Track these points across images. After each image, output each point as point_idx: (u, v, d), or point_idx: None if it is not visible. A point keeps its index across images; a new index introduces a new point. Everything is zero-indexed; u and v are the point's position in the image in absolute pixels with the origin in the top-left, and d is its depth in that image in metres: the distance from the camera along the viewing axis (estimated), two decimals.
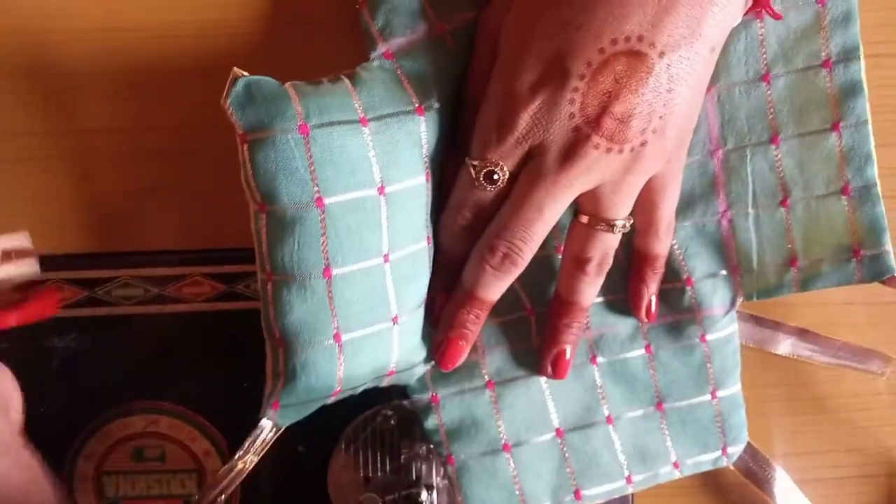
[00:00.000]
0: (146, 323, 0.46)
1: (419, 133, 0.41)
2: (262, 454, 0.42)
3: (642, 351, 0.47)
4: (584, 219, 0.42)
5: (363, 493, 0.46)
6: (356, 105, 0.40)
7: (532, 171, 0.40)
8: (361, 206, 0.40)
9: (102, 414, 0.47)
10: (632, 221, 0.42)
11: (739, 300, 0.47)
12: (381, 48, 0.41)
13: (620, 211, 0.41)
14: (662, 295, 0.46)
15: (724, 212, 0.45)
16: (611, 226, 0.41)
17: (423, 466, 0.46)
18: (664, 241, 0.44)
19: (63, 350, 0.46)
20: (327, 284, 0.40)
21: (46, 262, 0.45)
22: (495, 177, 0.40)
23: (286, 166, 0.38)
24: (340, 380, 0.41)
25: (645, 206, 0.43)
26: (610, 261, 0.43)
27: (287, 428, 0.42)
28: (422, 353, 0.44)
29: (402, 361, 0.43)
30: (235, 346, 0.47)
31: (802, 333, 0.49)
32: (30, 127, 0.44)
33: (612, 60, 0.37)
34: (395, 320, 0.41)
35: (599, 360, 0.47)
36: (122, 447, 0.47)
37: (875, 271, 0.45)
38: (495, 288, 0.43)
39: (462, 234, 0.43)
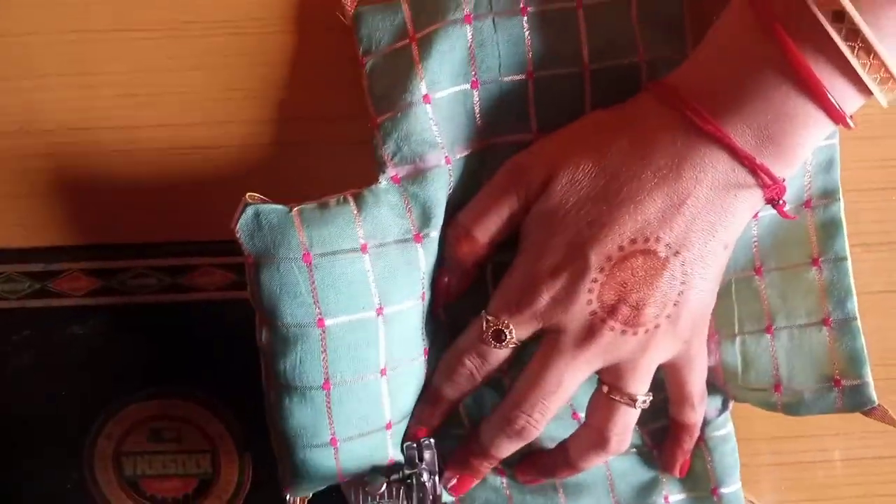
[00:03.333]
0: (161, 311, 0.48)
1: (417, 258, 0.43)
2: None
3: (647, 450, 0.50)
4: (605, 388, 0.44)
5: (368, 474, 0.47)
6: (358, 233, 0.42)
7: (550, 347, 0.43)
8: (361, 327, 0.42)
9: (121, 397, 0.49)
10: (651, 398, 0.44)
11: (731, 404, 0.49)
12: (390, 172, 0.43)
13: (640, 387, 0.44)
14: (660, 403, 0.48)
15: (711, 335, 0.47)
16: (632, 400, 0.44)
17: (427, 452, 0.48)
18: (699, 411, 0.47)
19: (83, 337, 0.48)
20: (326, 396, 0.42)
21: (65, 252, 0.47)
22: (503, 337, 0.43)
23: (289, 290, 0.41)
24: (340, 473, 0.44)
25: (675, 381, 0.46)
26: (629, 440, 0.45)
27: None
28: None
29: (399, 457, 0.46)
30: (246, 332, 0.49)
31: None
32: (45, 125, 0.46)
33: (630, 257, 0.41)
34: (388, 426, 0.44)
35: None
36: (140, 428, 0.50)
37: (855, 402, 0.46)
38: (510, 450, 0.46)
39: (456, 378, 0.45)
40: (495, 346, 0.43)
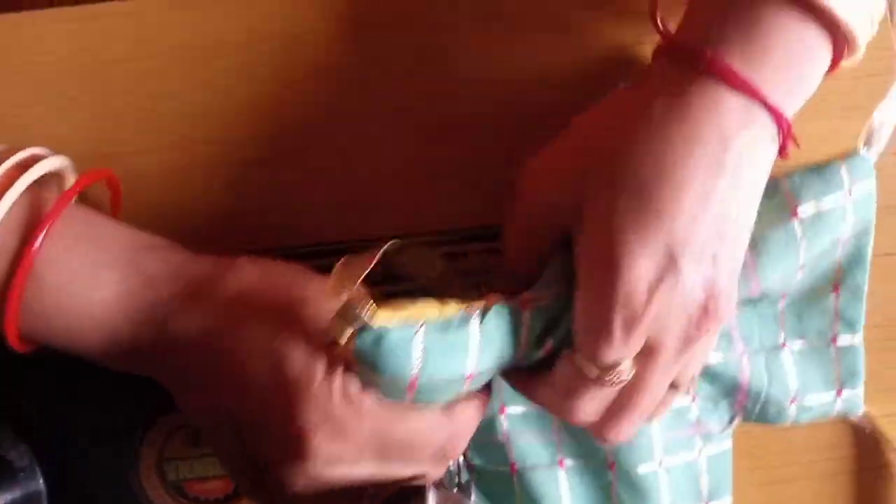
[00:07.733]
0: None
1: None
2: None
3: (655, 467, 0.50)
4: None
5: None
6: (468, 364, 0.39)
7: (653, 363, 0.40)
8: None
9: (160, 404, 0.51)
10: None
11: (737, 420, 0.51)
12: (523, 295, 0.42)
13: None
14: (673, 412, 0.49)
15: (741, 352, 0.50)
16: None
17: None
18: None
19: None
20: None
21: None
22: (622, 374, 0.39)
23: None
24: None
25: None
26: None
27: None
28: None
29: None
30: None
31: None
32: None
33: (709, 246, 0.38)
34: None
35: (616, 467, 0.50)
36: (180, 434, 0.52)
37: (847, 408, 0.52)
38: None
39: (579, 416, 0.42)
40: (617, 385, 0.40)
